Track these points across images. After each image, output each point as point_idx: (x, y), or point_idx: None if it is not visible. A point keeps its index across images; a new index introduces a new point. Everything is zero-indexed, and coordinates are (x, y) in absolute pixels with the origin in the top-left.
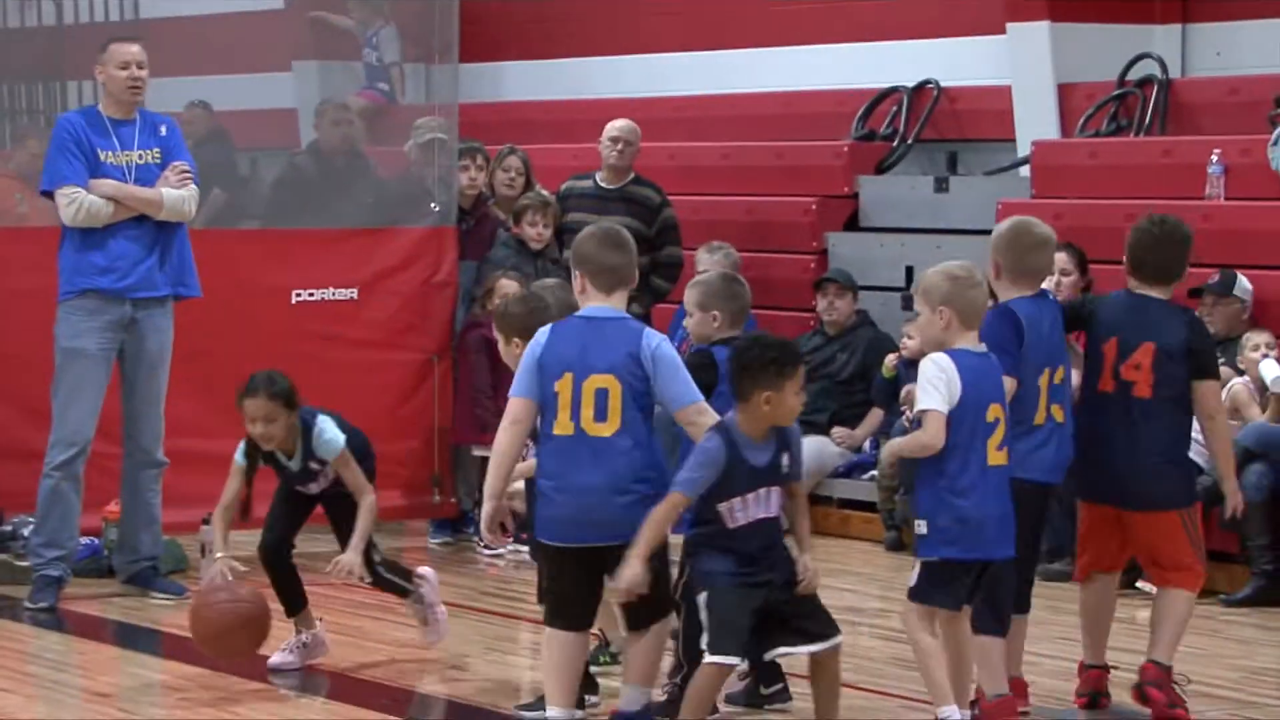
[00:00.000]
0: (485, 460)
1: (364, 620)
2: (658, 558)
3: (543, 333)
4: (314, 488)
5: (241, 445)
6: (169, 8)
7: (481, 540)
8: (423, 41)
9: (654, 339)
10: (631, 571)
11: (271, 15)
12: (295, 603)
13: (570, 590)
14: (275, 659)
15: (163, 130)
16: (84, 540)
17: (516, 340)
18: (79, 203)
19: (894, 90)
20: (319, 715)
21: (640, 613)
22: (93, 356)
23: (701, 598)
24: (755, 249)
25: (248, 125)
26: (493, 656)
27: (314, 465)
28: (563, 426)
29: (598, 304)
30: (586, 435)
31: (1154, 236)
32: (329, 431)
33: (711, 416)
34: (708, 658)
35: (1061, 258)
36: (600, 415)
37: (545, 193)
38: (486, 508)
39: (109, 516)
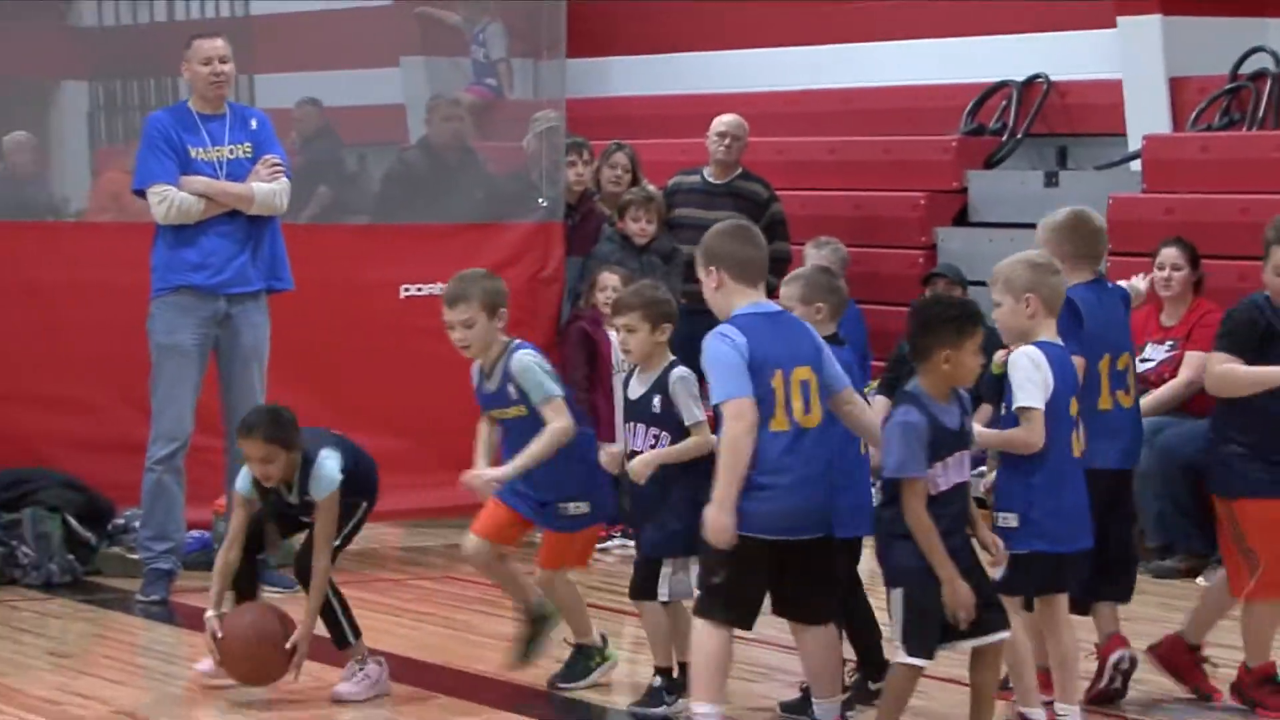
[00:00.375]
0: None
1: (471, 615)
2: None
3: (733, 330)
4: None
5: (245, 473)
6: (279, 5)
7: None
8: (531, 37)
9: (810, 325)
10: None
11: (380, 11)
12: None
13: (749, 585)
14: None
15: (253, 124)
16: (194, 534)
17: (665, 325)
18: (170, 200)
19: (1003, 84)
20: (436, 712)
21: (818, 610)
22: (188, 352)
23: (898, 593)
24: (863, 244)
25: (356, 121)
26: None
27: (310, 500)
28: (779, 423)
29: (750, 299)
30: (802, 428)
31: None
32: (327, 469)
33: (861, 401)
34: (903, 658)
35: (1173, 253)
36: (807, 407)
37: (650, 188)
38: (717, 515)
39: (218, 510)
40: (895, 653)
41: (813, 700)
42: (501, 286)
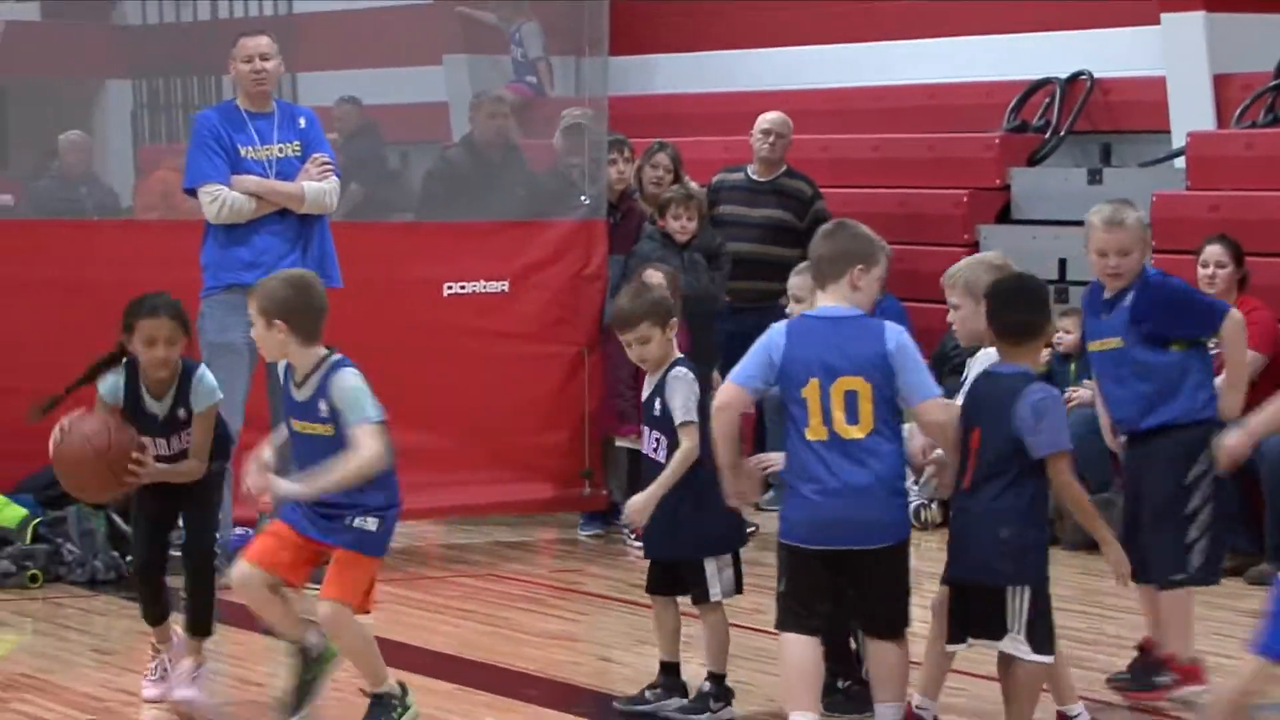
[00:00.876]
0: (632, 452)
1: (513, 612)
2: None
3: (778, 332)
4: (161, 447)
5: (112, 379)
6: (322, 4)
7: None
8: (573, 36)
9: (895, 332)
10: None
11: (422, 10)
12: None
13: (806, 592)
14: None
15: (302, 122)
16: (239, 530)
17: (672, 322)
18: (221, 200)
19: (1046, 82)
20: (478, 708)
21: (881, 621)
22: (239, 350)
23: (1024, 591)
24: (906, 241)
25: (397, 119)
26: (641, 649)
27: (181, 414)
28: (815, 431)
29: (823, 301)
30: (841, 439)
31: None
32: (209, 381)
33: (950, 411)
34: (1034, 656)
35: (1217, 250)
36: (851, 418)
37: (691, 185)
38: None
39: (263, 508)
40: (1018, 649)
41: (875, 703)
42: None
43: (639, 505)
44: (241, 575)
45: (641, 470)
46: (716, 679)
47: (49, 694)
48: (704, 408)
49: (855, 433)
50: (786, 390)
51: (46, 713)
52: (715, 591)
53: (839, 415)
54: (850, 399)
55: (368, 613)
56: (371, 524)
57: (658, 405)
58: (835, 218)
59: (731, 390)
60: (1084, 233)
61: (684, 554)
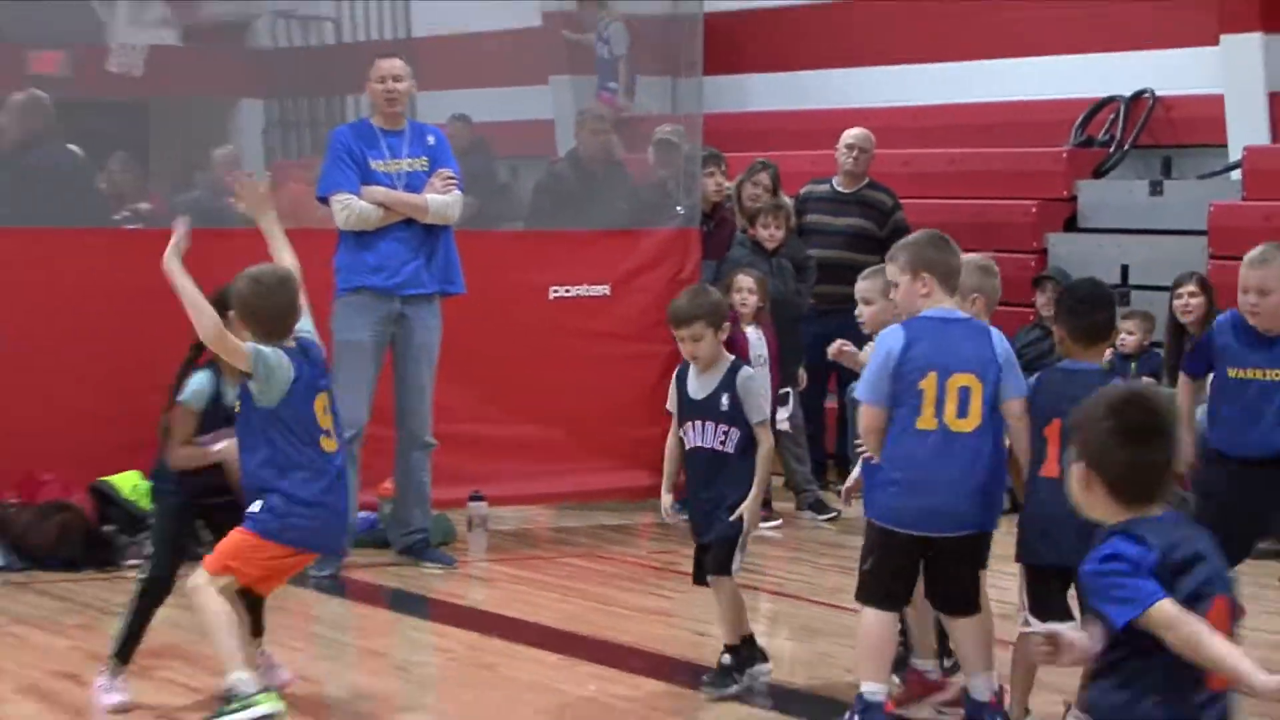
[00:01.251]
0: None
1: (615, 590)
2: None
3: (897, 334)
4: (208, 443)
5: (198, 383)
6: (438, 27)
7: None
8: (670, 56)
9: (999, 338)
10: None
11: (529, 33)
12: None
13: (891, 572)
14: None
15: (430, 140)
16: (362, 514)
17: (726, 325)
18: (350, 208)
19: (1111, 99)
20: (583, 677)
21: (957, 602)
22: (365, 348)
23: None
24: (979, 248)
25: (507, 136)
26: None
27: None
28: (927, 422)
29: (941, 304)
30: (950, 431)
31: None
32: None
33: (1019, 410)
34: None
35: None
36: (962, 412)
37: (781, 198)
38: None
39: (384, 493)
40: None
41: (967, 677)
42: None
43: (753, 515)
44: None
45: (695, 462)
46: (735, 649)
47: (194, 662)
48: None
49: (964, 426)
50: (901, 383)
51: (189, 679)
52: (737, 565)
53: (951, 408)
54: (964, 394)
55: (261, 593)
56: (255, 508)
57: (725, 401)
58: (913, 228)
59: (872, 414)
60: None
61: (731, 533)
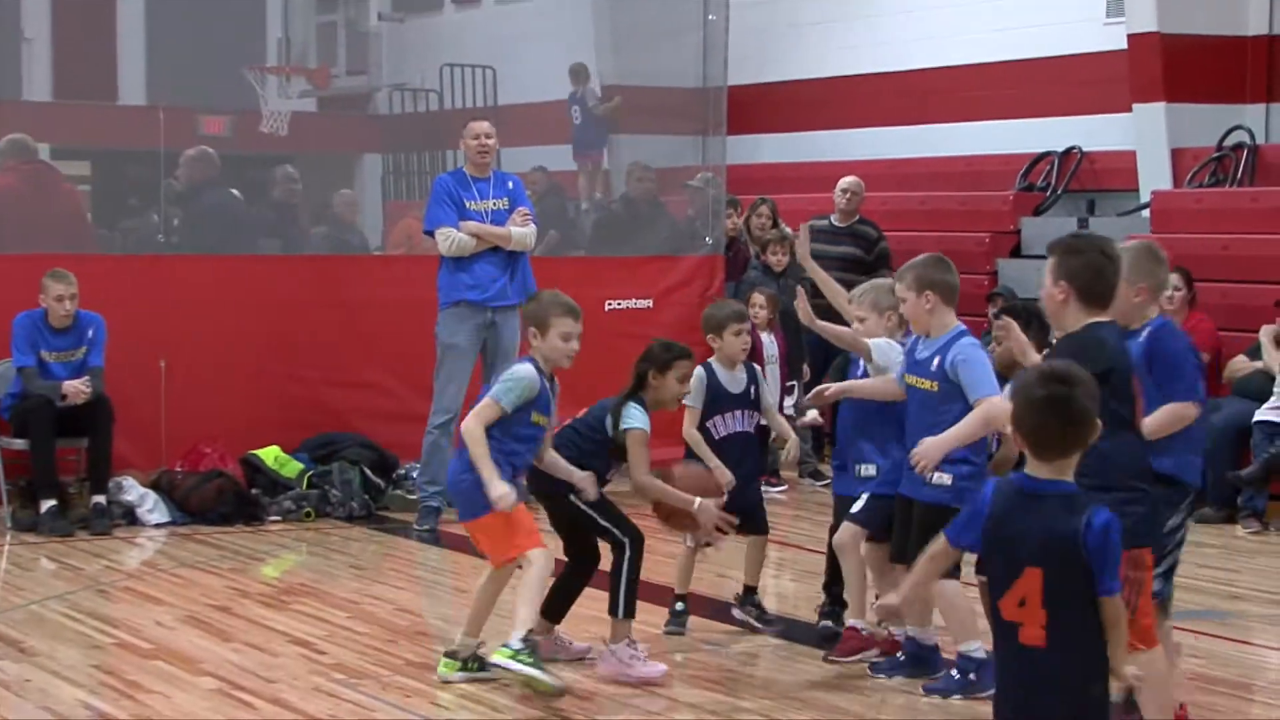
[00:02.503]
0: None
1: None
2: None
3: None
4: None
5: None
6: (518, 97)
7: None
8: (700, 119)
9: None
10: None
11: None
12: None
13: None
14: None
15: (510, 185)
16: None
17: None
18: (451, 239)
19: (1047, 154)
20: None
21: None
22: (463, 349)
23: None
24: None
25: (573, 181)
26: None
27: None
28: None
29: (949, 319)
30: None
31: None
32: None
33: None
34: None
35: (1175, 278)
36: None
37: (786, 229)
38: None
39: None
40: None
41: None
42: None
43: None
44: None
45: (730, 446)
46: (753, 589)
47: (319, 598)
48: None
49: None
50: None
51: (318, 612)
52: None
53: None
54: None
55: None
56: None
57: (753, 392)
58: (893, 254)
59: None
60: None
61: (760, 499)
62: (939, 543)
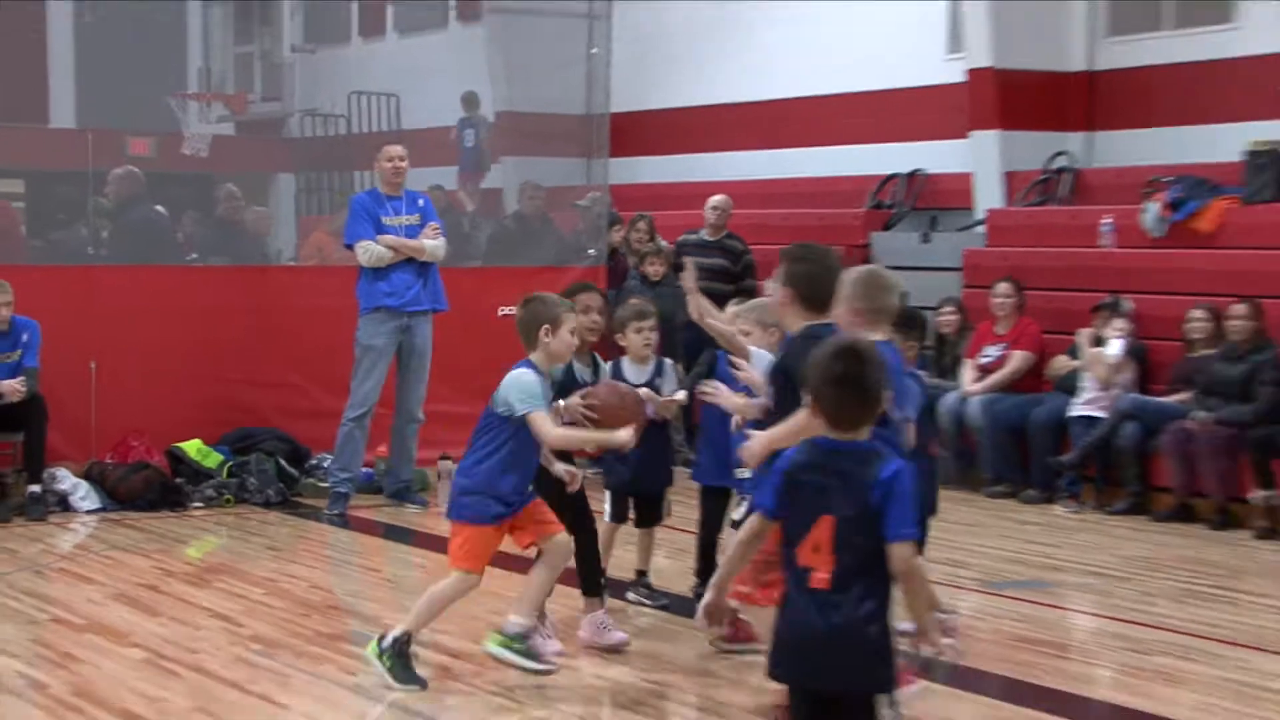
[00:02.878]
0: None
1: None
2: None
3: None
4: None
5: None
6: (422, 121)
7: None
8: (586, 142)
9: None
10: None
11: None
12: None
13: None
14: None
15: (420, 202)
16: (364, 470)
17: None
18: (370, 251)
19: (894, 176)
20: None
21: None
22: (381, 350)
23: None
24: None
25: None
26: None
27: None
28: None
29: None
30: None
31: None
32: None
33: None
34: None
35: (1005, 287)
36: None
37: (662, 243)
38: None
39: (380, 455)
40: None
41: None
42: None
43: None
44: None
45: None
46: (644, 572)
47: (238, 576)
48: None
49: None
50: None
51: (237, 589)
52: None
53: None
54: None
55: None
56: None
57: (656, 385)
58: (757, 266)
59: None
60: None
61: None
62: (749, 522)
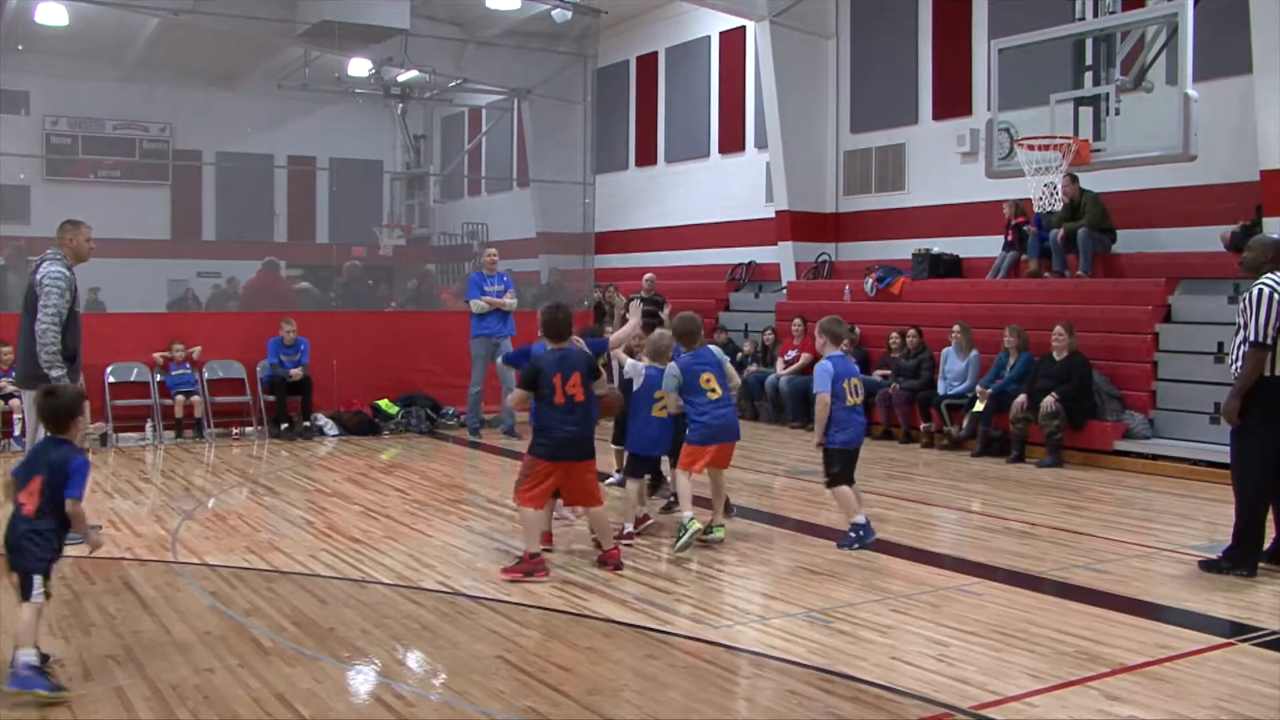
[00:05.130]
0: None
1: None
2: None
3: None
4: None
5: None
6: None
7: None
8: (584, 248)
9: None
10: None
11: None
12: None
13: (848, 473)
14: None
15: (504, 278)
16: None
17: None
18: (477, 305)
19: (740, 264)
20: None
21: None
22: (481, 357)
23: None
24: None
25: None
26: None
27: None
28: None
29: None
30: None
31: None
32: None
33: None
34: None
35: (798, 323)
36: (856, 393)
37: (621, 297)
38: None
39: (491, 411)
40: None
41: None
42: None
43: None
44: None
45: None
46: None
47: (407, 469)
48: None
49: (858, 402)
50: (837, 385)
51: (406, 476)
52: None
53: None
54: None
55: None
56: None
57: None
58: (670, 313)
59: (825, 396)
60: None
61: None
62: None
